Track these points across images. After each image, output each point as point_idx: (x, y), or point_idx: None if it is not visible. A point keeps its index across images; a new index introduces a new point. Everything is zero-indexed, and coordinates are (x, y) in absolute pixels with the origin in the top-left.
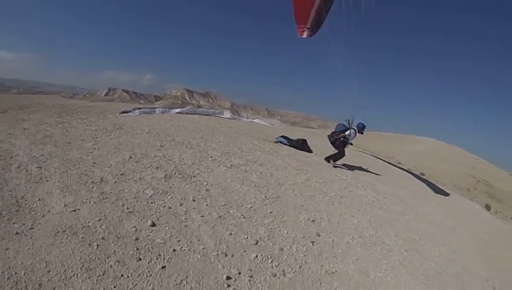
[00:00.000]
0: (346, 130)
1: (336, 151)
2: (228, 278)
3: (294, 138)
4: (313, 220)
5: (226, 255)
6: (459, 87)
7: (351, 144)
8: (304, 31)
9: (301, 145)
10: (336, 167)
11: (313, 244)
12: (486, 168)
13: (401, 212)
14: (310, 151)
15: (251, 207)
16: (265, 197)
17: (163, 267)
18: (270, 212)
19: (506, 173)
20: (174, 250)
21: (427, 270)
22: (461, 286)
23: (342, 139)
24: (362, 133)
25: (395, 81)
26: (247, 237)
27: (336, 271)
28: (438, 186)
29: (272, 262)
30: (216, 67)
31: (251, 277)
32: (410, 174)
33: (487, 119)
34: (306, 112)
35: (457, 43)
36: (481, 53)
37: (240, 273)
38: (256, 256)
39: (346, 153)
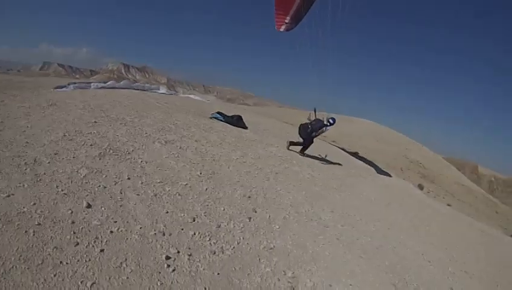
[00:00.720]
0: (324, 127)
1: (302, 141)
2: (167, 257)
3: (229, 114)
4: (249, 196)
5: (164, 234)
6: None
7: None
8: (282, 24)
9: (236, 121)
10: (304, 155)
11: (250, 221)
12: (420, 151)
13: (337, 189)
14: (245, 128)
15: (186, 184)
16: (200, 173)
17: (102, 250)
18: (206, 189)
19: (440, 156)
20: (111, 232)
21: (364, 244)
22: (398, 260)
23: (313, 135)
24: (332, 125)
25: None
26: (184, 215)
27: (274, 246)
28: (373, 165)
29: (210, 239)
30: (155, 42)
31: (190, 255)
32: (345, 152)
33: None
34: (242, 89)
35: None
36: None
37: (178, 252)
38: (194, 234)
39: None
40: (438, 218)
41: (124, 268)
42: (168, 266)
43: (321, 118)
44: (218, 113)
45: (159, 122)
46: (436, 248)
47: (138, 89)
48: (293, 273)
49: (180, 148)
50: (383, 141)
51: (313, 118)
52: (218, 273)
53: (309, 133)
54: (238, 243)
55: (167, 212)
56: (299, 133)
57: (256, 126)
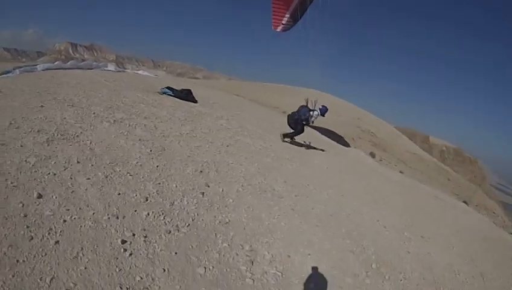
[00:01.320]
0: (310, 112)
1: (293, 131)
2: (123, 241)
3: (179, 88)
4: (201, 171)
5: (118, 218)
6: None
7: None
8: (279, 25)
9: (186, 95)
10: (286, 141)
11: (203, 196)
12: (371, 121)
13: (289, 159)
14: (195, 102)
15: (137, 163)
16: (150, 151)
17: (57, 242)
18: (157, 166)
19: (391, 126)
20: (64, 221)
21: (319, 213)
22: (354, 227)
23: (304, 123)
24: (324, 116)
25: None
26: (136, 195)
27: (229, 221)
28: (325, 134)
29: (164, 218)
30: (103, 20)
31: (146, 236)
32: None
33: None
34: (192, 62)
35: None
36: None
37: (134, 234)
38: (148, 214)
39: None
40: (391, 185)
41: (80, 258)
42: (125, 250)
43: (311, 106)
44: (167, 88)
45: (107, 100)
46: (390, 214)
47: (86, 68)
48: (251, 246)
49: (129, 126)
50: (334, 111)
51: (311, 105)
52: (176, 253)
53: (296, 120)
54: (193, 220)
55: (119, 194)
56: (288, 123)
57: (205, 100)
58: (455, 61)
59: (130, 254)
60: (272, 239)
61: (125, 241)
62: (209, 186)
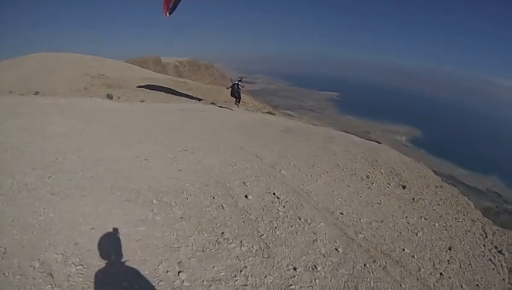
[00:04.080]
0: (240, 84)
1: (238, 97)
2: None
3: None
4: None
5: None
6: None
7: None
8: (167, 10)
9: None
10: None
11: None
12: (101, 63)
13: (28, 142)
14: None
15: None
16: None
17: None
18: None
19: (121, 62)
20: None
21: (79, 181)
22: (117, 175)
23: (239, 90)
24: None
25: None
26: None
27: (6, 249)
28: (57, 95)
29: None
30: None
31: None
32: (22, 97)
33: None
34: None
35: None
36: None
37: None
38: None
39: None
40: (137, 117)
41: None
42: None
43: (235, 81)
44: None
45: None
46: (146, 145)
47: None
48: (39, 260)
49: None
50: (61, 67)
51: (232, 83)
52: None
53: (236, 90)
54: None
55: None
56: (232, 94)
57: None
58: None
59: None
60: (51, 238)
61: None
62: None
